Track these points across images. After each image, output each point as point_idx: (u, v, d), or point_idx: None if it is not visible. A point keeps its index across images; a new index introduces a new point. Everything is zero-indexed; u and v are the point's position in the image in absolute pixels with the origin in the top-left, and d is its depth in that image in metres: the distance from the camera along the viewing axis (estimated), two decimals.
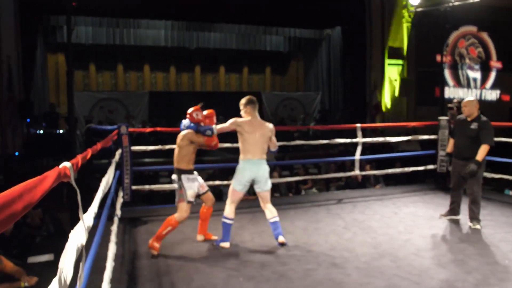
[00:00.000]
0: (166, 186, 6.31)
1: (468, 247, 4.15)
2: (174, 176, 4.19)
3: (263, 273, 3.55)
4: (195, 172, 4.23)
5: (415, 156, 8.71)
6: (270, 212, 4.26)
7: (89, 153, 2.80)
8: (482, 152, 4.60)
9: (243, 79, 17.92)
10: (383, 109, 14.87)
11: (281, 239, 4.23)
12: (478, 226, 4.74)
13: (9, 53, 11.03)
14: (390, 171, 7.18)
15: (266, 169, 4.22)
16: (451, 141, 5.12)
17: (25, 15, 11.29)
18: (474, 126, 4.70)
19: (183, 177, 4.09)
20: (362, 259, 3.82)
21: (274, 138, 4.32)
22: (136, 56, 15.82)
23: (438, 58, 15.29)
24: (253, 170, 4.14)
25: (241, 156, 4.21)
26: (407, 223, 4.97)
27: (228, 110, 14.81)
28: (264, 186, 4.23)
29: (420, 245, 4.23)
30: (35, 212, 6.10)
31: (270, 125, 4.30)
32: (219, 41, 15.84)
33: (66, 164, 1.71)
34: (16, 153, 10.85)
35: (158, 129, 6.72)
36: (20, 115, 11.27)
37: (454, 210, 5.09)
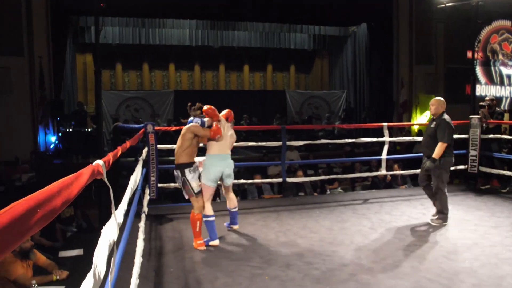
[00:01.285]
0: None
1: (502, 251, 3.98)
2: (176, 173, 4.20)
3: (288, 272, 3.52)
4: (196, 161, 4.38)
5: None
6: (232, 201, 4.59)
7: (119, 151, 2.85)
8: (438, 149, 4.71)
9: (267, 77, 17.87)
10: (411, 107, 14.53)
11: (234, 226, 4.68)
12: (436, 223, 4.84)
13: (41, 54, 11.37)
14: (418, 171, 6.97)
15: (232, 163, 4.44)
16: None
17: (55, 17, 11.59)
18: (433, 124, 4.82)
19: (186, 171, 4.17)
20: (389, 260, 3.74)
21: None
22: (162, 55, 16.02)
23: (469, 54, 14.78)
24: (222, 164, 4.28)
25: (208, 151, 4.31)
26: (436, 225, 4.85)
27: (253, 108, 14.95)
28: (230, 180, 4.47)
29: (450, 247, 4.09)
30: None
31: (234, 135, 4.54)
32: (243, 40, 15.86)
33: (99, 161, 1.76)
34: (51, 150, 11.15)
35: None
36: (51, 113, 11.58)
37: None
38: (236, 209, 4.64)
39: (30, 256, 4.21)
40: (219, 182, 4.46)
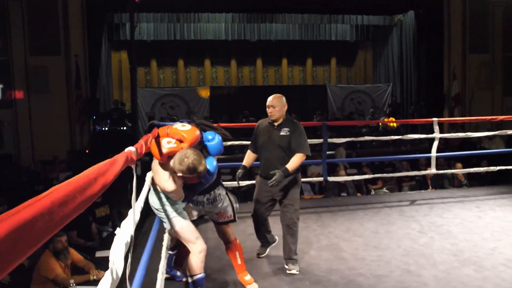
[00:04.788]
0: (228, 183, 6.09)
1: None
2: (217, 193, 3.13)
3: (330, 277, 3.41)
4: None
5: (503, 153, 7.78)
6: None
7: (149, 138, 2.49)
8: (295, 161, 3.41)
9: (307, 71, 17.38)
10: (464, 100, 13.52)
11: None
12: (295, 270, 3.50)
13: (77, 52, 11.45)
14: (472, 170, 6.59)
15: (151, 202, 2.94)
16: (249, 154, 3.82)
17: (91, 15, 11.64)
18: (284, 132, 3.53)
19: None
20: (441, 267, 3.53)
21: None
22: (197, 51, 15.89)
23: None
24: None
25: None
26: (494, 229, 4.48)
27: (292, 104, 14.46)
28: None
29: (511, 254, 3.78)
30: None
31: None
32: (281, 32, 15.52)
33: (131, 148, 1.80)
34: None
35: (222, 124, 6.60)
36: (87, 112, 11.62)
37: (266, 244, 3.89)
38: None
39: (64, 256, 4.33)
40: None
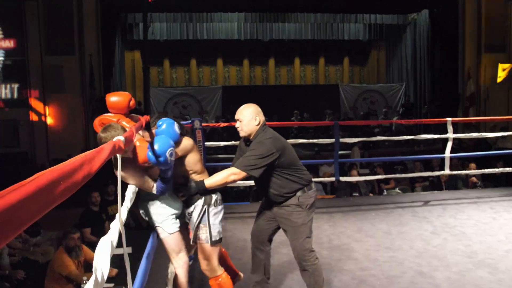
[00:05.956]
0: (240, 183, 6.10)
1: None
2: (193, 204, 2.73)
3: (342, 278, 3.40)
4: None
5: None
6: None
7: (143, 123, 2.49)
8: (220, 174, 2.65)
9: (319, 71, 17.31)
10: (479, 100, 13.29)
11: None
12: None
13: (91, 51, 11.58)
14: (487, 171, 6.45)
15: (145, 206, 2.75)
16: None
17: (105, 15, 11.77)
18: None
19: (212, 201, 2.72)
20: (454, 268, 3.49)
21: None
22: (209, 50, 15.96)
23: None
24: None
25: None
26: (509, 231, 4.40)
27: (304, 103, 14.43)
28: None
29: None
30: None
31: None
32: (293, 32, 15.47)
33: (120, 137, 1.77)
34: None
35: (234, 123, 6.57)
36: (101, 111, 11.70)
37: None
38: None
39: (76, 253, 4.40)
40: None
